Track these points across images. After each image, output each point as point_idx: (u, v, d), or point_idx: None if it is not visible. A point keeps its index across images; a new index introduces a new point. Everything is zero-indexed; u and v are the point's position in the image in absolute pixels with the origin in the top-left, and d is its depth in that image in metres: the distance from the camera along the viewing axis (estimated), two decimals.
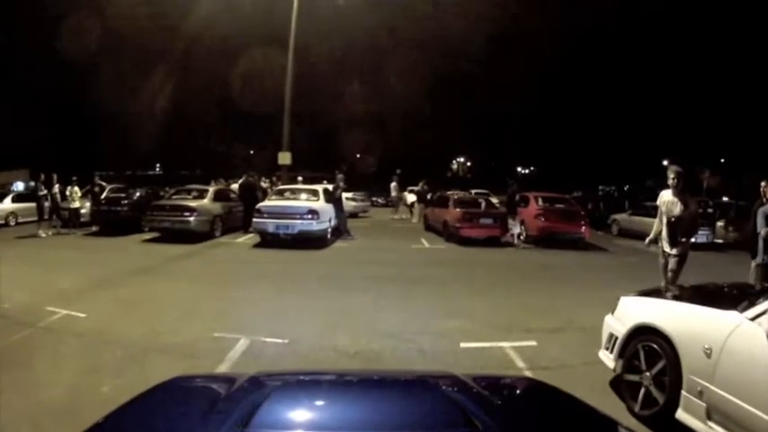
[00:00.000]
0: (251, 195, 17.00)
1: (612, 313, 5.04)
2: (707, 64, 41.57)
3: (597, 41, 47.38)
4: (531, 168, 72.42)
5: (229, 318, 6.97)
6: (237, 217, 16.93)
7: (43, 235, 15.65)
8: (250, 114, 42.57)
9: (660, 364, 4.14)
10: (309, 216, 13.99)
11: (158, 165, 61.90)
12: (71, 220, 16.84)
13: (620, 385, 4.63)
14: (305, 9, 21.56)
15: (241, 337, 5.97)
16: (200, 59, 44.92)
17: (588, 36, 47.45)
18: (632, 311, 4.73)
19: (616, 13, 45.57)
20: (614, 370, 4.70)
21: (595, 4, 45.49)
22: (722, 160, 49.46)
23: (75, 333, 6.04)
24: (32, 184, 18.17)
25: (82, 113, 41.74)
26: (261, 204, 14.88)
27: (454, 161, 79.64)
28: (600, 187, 51.52)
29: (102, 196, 18.16)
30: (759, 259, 7.24)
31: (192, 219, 14.82)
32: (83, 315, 6.71)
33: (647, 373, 4.24)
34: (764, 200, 7.51)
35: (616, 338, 4.74)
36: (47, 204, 16.14)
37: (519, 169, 73.32)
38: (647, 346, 4.29)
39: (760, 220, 7.28)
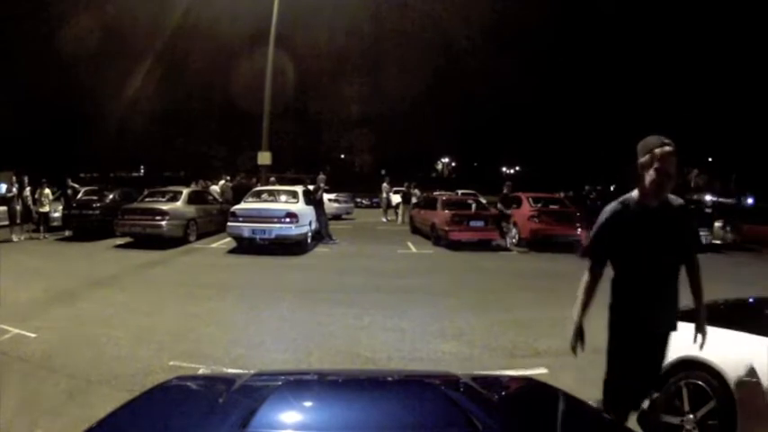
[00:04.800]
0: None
1: None
2: (695, 62, 41.50)
3: (583, 40, 47.33)
4: (517, 168, 71.95)
5: (190, 340, 6.17)
6: (216, 220, 16.01)
7: (16, 240, 14.88)
8: (235, 114, 41.62)
9: (708, 406, 3.42)
10: (288, 219, 13.11)
11: (142, 166, 60.75)
12: (40, 225, 15.99)
13: (651, 424, 3.83)
14: (293, 8, 20.88)
15: (200, 368, 5.20)
16: (184, 60, 44.08)
17: (574, 34, 47.41)
18: (673, 340, 3.90)
19: (601, 12, 45.48)
20: (647, 408, 3.80)
21: (580, 4, 45.47)
22: (710, 159, 49.50)
23: (20, 357, 5.44)
24: (2, 185, 17.21)
25: (67, 113, 40.73)
26: (235, 207, 14.04)
27: (439, 161, 79.05)
28: (586, 187, 51.22)
29: (78, 198, 17.34)
30: None
31: (163, 223, 13.98)
32: (33, 335, 6.10)
33: (691, 416, 3.53)
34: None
35: None
36: (19, 207, 15.40)
37: (504, 169, 73.07)
38: (692, 383, 3.60)
39: None
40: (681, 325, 3.93)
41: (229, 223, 13.51)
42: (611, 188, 49.69)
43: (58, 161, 36.27)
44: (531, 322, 7.19)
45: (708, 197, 32.72)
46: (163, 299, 8.31)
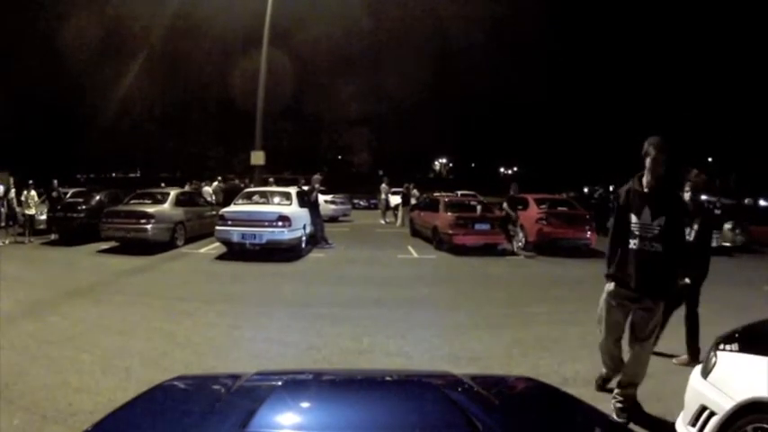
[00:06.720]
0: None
1: (705, 375, 3.41)
2: (694, 62, 41.21)
3: (583, 40, 47.04)
4: (515, 169, 71.45)
5: (162, 367, 5.34)
6: (208, 223, 15.25)
7: (0, 243, 14.42)
8: (233, 114, 41.12)
9: None
10: (280, 223, 12.33)
11: (138, 168, 60.29)
12: (26, 228, 15.38)
13: None
14: (292, 7, 21.10)
15: None
16: (181, 61, 43.58)
17: (573, 34, 47.04)
18: (744, 377, 3.10)
19: (601, 12, 45.19)
20: None
21: (580, 4, 45.12)
22: (709, 159, 49.04)
23: None
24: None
25: (64, 114, 40.46)
26: (224, 210, 13.31)
27: (436, 162, 78.54)
28: (585, 189, 50.77)
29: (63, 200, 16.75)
30: None
31: (148, 227, 13.27)
32: None
33: None
34: None
35: (711, 414, 3.17)
36: (4, 210, 14.58)
37: (502, 170, 72.69)
38: (764, 429, 2.86)
39: None
40: (749, 358, 3.20)
41: (217, 227, 12.74)
42: (611, 188, 49.39)
43: (55, 162, 35.95)
44: (552, 341, 6.45)
45: (721, 198, 32.15)
46: (138, 314, 7.54)
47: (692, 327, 5.66)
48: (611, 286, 4.34)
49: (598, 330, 4.56)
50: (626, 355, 4.52)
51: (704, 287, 5.70)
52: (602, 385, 4.74)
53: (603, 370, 4.74)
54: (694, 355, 5.55)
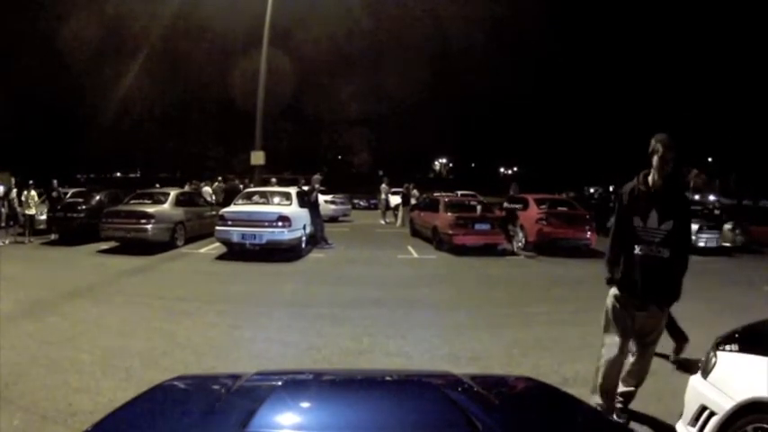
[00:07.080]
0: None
1: (704, 375, 3.40)
2: (695, 62, 41.14)
3: (583, 40, 46.98)
4: (515, 169, 71.48)
5: (162, 367, 5.34)
6: (208, 223, 15.25)
7: (0, 243, 14.42)
8: (233, 114, 41.08)
9: None
10: (280, 224, 12.31)
11: (138, 168, 60.34)
12: (26, 228, 15.39)
13: None
14: (292, 7, 21.24)
15: None
16: (182, 61, 43.48)
17: (574, 34, 46.98)
18: (744, 377, 3.09)
19: (601, 12, 45.16)
20: None
21: (580, 4, 45.08)
22: (709, 159, 49.04)
23: None
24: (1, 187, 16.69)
25: (64, 114, 40.46)
26: (224, 210, 13.30)
27: (436, 162, 78.51)
28: (591, 189, 50.68)
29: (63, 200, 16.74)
30: None
31: (149, 227, 13.26)
32: None
33: None
34: None
35: (712, 414, 3.16)
36: (3, 210, 14.55)
37: (502, 170, 72.70)
38: (764, 429, 2.85)
39: None
40: (749, 358, 3.20)
41: (217, 227, 12.74)
42: (611, 188, 49.52)
43: (55, 162, 35.97)
44: (552, 342, 6.44)
45: (712, 197, 32.26)
46: (138, 314, 7.53)
47: (669, 320, 5.65)
48: (614, 290, 4.05)
49: (607, 339, 4.12)
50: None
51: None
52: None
53: (598, 399, 4.15)
54: (680, 340, 5.55)
